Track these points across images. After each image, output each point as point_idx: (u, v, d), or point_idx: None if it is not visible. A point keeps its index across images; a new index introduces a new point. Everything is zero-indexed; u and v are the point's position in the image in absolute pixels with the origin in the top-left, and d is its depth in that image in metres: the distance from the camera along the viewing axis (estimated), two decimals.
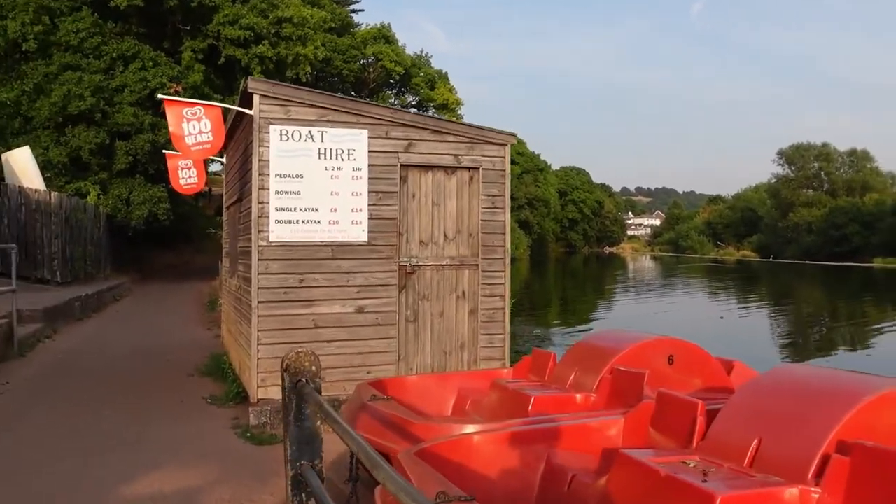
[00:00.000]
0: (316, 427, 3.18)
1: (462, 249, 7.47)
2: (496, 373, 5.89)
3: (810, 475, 2.87)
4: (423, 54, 51.49)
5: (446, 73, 51.98)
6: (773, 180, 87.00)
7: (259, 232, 6.77)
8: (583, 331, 20.16)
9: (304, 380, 3.18)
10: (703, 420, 3.54)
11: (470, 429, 3.96)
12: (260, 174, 6.80)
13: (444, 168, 7.40)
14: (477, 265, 7.49)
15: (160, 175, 21.52)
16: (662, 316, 24.57)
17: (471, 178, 7.51)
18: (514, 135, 7.64)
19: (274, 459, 5.74)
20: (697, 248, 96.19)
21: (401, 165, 7.22)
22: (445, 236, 7.40)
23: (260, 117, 6.79)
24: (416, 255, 7.29)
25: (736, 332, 19.77)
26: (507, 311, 7.58)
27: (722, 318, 22.82)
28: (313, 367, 3.19)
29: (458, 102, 47.92)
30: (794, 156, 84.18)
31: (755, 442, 3.16)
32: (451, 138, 7.40)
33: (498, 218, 7.58)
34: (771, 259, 73.70)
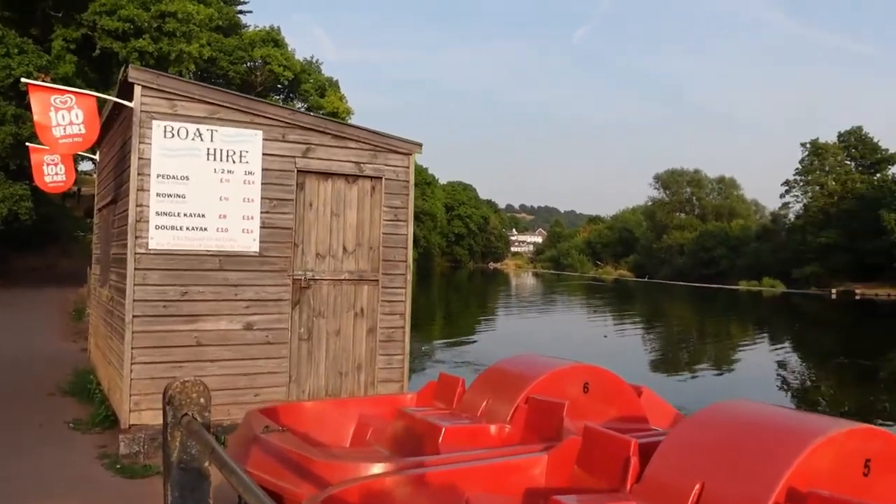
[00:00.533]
0: (204, 469, 2.69)
1: (362, 263, 7.02)
2: (399, 399, 5.45)
3: None
4: (314, 60, 50.55)
5: (337, 81, 51.26)
6: (649, 203, 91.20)
7: (136, 238, 6.06)
8: (469, 345, 20.05)
9: (190, 414, 2.69)
10: (636, 460, 3.27)
11: (380, 468, 3.52)
12: (139, 174, 6.10)
13: (345, 176, 6.93)
14: (377, 280, 7.05)
15: (23, 171, 19.80)
16: (547, 334, 24.87)
17: (373, 188, 7.08)
18: (419, 144, 7.28)
19: (149, 495, 5.07)
20: (577, 266, 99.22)
21: (298, 171, 6.70)
22: (344, 249, 6.93)
23: (141, 111, 6.10)
24: (311, 269, 6.77)
25: (620, 350, 20.18)
26: (408, 331, 7.18)
27: (606, 336, 23.31)
28: (202, 400, 2.71)
29: (349, 111, 47.30)
30: (668, 180, 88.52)
31: (697, 487, 2.90)
32: (353, 145, 6.95)
33: (400, 231, 7.18)
34: (646, 279, 76.90)
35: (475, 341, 21.21)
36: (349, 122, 46.59)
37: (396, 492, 3.25)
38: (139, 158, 6.09)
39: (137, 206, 6.08)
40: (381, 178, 7.07)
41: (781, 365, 19.43)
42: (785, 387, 16.13)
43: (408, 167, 7.22)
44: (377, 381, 7.01)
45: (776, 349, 23.06)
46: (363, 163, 6.98)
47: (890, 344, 25.10)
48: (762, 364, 18.71)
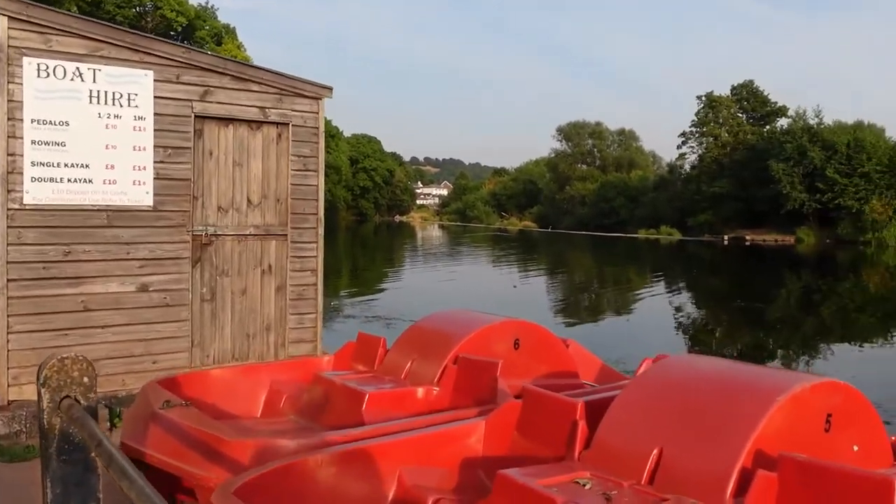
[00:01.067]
0: (90, 461, 2.28)
1: (268, 217, 6.49)
2: (315, 362, 5.05)
3: (728, 495, 2.42)
4: (209, 6, 47.99)
5: (234, 29, 48.98)
6: (552, 155, 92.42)
7: (8, 192, 5.34)
8: (378, 299, 19.74)
9: (72, 397, 2.26)
10: (584, 424, 3.01)
11: (299, 444, 3.14)
12: (10, 119, 5.35)
13: (249, 122, 6.35)
14: (286, 235, 6.55)
15: None
16: (455, 286, 24.83)
17: (279, 136, 6.52)
18: (329, 88, 6.75)
19: (33, 481, 4.52)
20: (483, 218, 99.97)
21: (195, 117, 6.07)
22: (249, 202, 6.39)
23: (9, 46, 5.33)
24: (213, 224, 6.21)
25: (531, 300, 20.32)
26: (320, 288, 6.74)
27: (515, 286, 23.45)
28: (85, 379, 2.29)
29: (248, 61, 45.27)
30: (570, 133, 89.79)
31: (655, 452, 2.67)
32: (256, 88, 6.36)
33: (310, 182, 6.67)
34: (549, 229, 78.31)
35: (384, 295, 20.91)
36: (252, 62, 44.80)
37: (321, 472, 2.89)
38: (8, 101, 5.34)
39: (9, 155, 5.35)
40: (287, 124, 6.52)
41: (679, 309, 20.11)
42: (683, 330, 16.65)
43: (317, 113, 6.69)
44: (288, 341, 6.57)
45: (673, 294, 23.86)
46: (268, 108, 6.41)
47: (775, 286, 26.41)
48: (661, 309, 19.29)
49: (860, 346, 15.02)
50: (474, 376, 4.01)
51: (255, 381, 4.68)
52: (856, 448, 2.83)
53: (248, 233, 6.37)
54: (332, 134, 79.98)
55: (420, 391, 4.14)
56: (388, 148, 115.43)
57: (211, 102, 6.12)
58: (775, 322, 17.60)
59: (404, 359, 4.49)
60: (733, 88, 66.60)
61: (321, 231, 6.74)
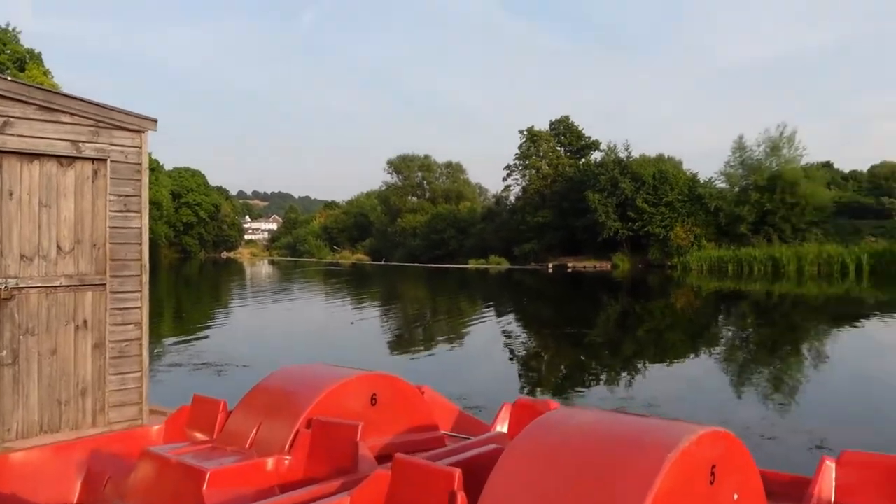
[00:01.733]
0: None
1: (83, 265, 5.73)
2: (142, 433, 4.43)
3: None
4: (10, 28, 44.04)
5: (39, 54, 45.24)
6: (383, 187, 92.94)
7: None
8: (206, 343, 18.57)
9: None
10: (462, 495, 2.74)
11: None
12: None
13: (58, 158, 5.59)
14: (104, 285, 5.80)
15: None
16: (288, 325, 23.98)
17: (96, 173, 5.80)
18: (153, 120, 6.11)
19: None
20: (315, 251, 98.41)
21: None
22: (59, 248, 5.60)
23: None
24: (14, 275, 5.38)
25: (368, 338, 19.96)
26: (146, 342, 6.02)
27: (353, 323, 22.99)
28: None
29: (56, 88, 41.87)
30: (400, 165, 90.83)
31: None
32: (67, 119, 5.62)
33: (132, 224, 5.98)
34: (383, 262, 78.42)
35: (213, 339, 19.71)
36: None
37: None
38: None
39: None
40: (105, 160, 5.81)
41: (513, 337, 20.64)
42: (513, 356, 17.02)
43: (139, 147, 6.02)
44: (108, 406, 5.79)
45: (502, 321, 24.47)
46: (82, 141, 5.68)
47: (596, 311, 27.89)
48: (497, 339, 19.66)
49: (670, 363, 16.01)
50: (331, 441, 3.63)
51: (70, 462, 4.01)
52: (736, 497, 2.76)
53: (58, 284, 5.58)
54: (153, 167, 75.65)
55: (269, 462, 3.69)
56: (213, 181, 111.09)
57: (11, 135, 5.33)
58: (599, 345, 18.42)
59: (249, 424, 4.02)
60: (551, 123, 70.43)
61: (146, 278, 6.05)
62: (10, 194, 5.36)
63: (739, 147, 56.73)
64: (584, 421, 2.87)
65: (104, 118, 5.80)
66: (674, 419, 2.90)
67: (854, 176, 71.22)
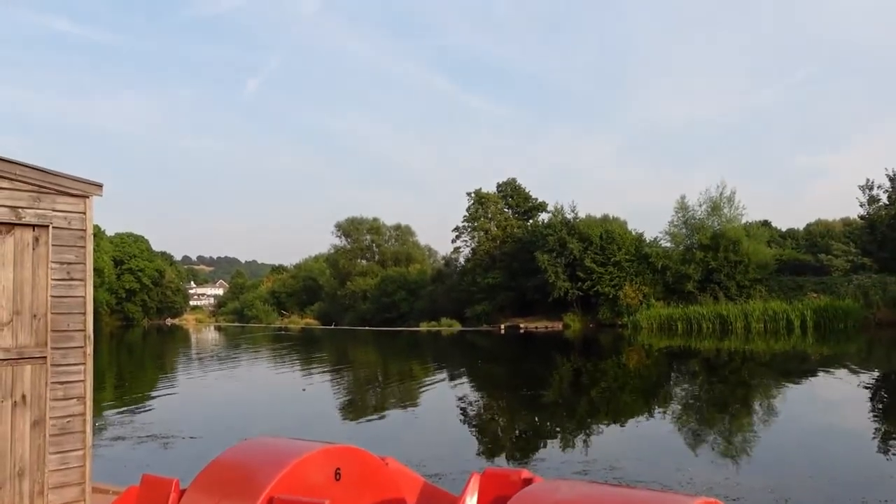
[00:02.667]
0: None
1: (22, 337, 5.42)
2: None
3: None
4: None
5: None
6: (332, 251, 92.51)
7: None
8: (150, 413, 17.86)
9: None
10: None
11: None
12: None
13: None
14: (45, 358, 5.49)
15: None
16: (239, 391, 23.31)
17: (36, 240, 5.54)
18: (99, 185, 5.90)
19: None
20: (263, 316, 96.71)
21: None
22: None
23: None
24: None
25: (323, 404, 19.46)
26: (89, 418, 5.68)
27: (304, 389, 22.41)
28: None
29: None
30: (349, 228, 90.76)
31: None
32: (6, 184, 5.39)
33: (76, 293, 5.70)
34: (333, 326, 77.39)
35: (157, 408, 18.97)
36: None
37: None
38: None
39: None
40: (47, 226, 5.57)
41: (464, 398, 20.40)
42: (470, 421, 16.77)
43: (84, 213, 5.80)
44: (48, 488, 5.41)
45: (457, 384, 24.22)
46: (22, 207, 5.44)
47: (549, 371, 27.82)
48: (453, 403, 19.37)
49: (626, 423, 15.97)
50: None
51: None
52: None
53: None
54: (94, 233, 73.89)
55: None
56: (157, 247, 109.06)
57: None
58: (555, 407, 18.29)
59: None
60: (499, 185, 71.45)
61: (90, 350, 5.74)
62: None
63: (682, 207, 58.29)
64: (570, 496, 2.74)
65: (46, 183, 5.58)
66: (661, 490, 2.80)
67: (791, 234, 73.83)
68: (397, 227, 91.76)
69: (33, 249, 5.52)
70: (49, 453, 5.43)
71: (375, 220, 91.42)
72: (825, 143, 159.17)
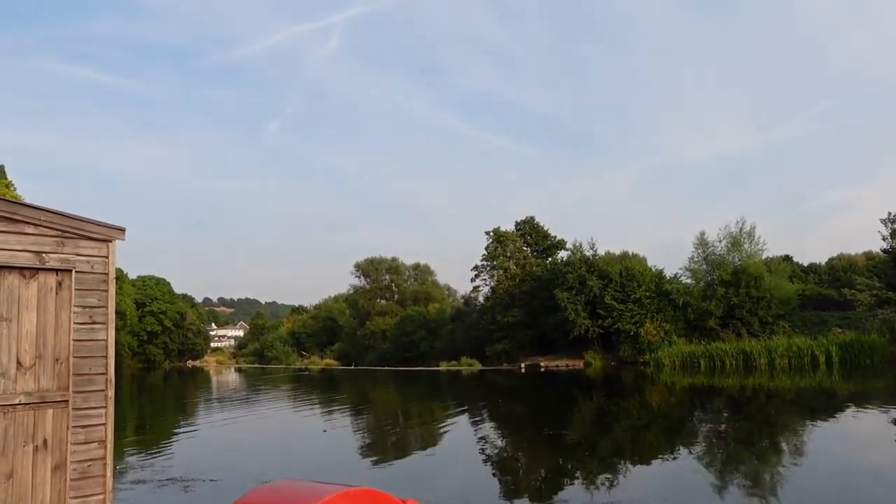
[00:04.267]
0: None
1: (44, 381, 5.47)
2: None
3: None
4: None
5: (2, 167, 45.26)
6: (351, 291, 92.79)
7: None
8: (171, 456, 17.81)
9: None
10: None
11: None
12: None
13: (21, 269, 5.43)
14: (66, 402, 5.53)
15: None
16: (259, 433, 23.21)
17: (60, 284, 5.63)
18: (122, 229, 5.99)
19: None
20: (283, 357, 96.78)
21: None
22: (20, 364, 5.35)
23: None
24: None
25: (344, 445, 19.33)
26: (110, 462, 5.69)
27: (325, 431, 22.29)
28: None
29: (17, 199, 41.71)
30: (368, 268, 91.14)
31: None
32: (31, 230, 5.50)
33: (98, 337, 5.77)
34: (352, 366, 77.26)
35: (178, 451, 18.93)
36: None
37: None
38: None
39: None
40: (70, 270, 5.66)
41: (485, 439, 20.18)
42: (491, 461, 16.56)
43: (107, 257, 5.89)
44: None
45: (478, 424, 23.98)
46: (46, 252, 5.53)
47: (572, 410, 27.50)
48: (469, 440, 19.21)
49: (650, 462, 15.69)
50: None
51: None
52: None
53: (17, 402, 5.29)
54: (117, 276, 74.79)
55: None
56: (178, 289, 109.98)
57: None
58: (578, 446, 18.03)
59: None
60: (517, 224, 71.58)
61: (111, 393, 5.78)
62: None
63: (702, 243, 58.01)
64: None
65: (70, 228, 5.68)
66: None
67: (813, 269, 72.98)
68: (416, 267, 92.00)
69: (56, 294, 5.59)
70: (70, 498, 5.44)
71: (394, 259, 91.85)
72: (845, 176, 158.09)
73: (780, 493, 11.73)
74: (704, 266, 57.83)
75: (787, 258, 69.64)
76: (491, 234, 70.43)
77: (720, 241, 57.17)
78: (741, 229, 56.49)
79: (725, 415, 24.48)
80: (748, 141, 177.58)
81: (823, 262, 74.81)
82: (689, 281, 58.89)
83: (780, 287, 54.04)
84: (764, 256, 56.89)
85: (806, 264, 74.02)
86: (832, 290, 64.05)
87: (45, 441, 5.38)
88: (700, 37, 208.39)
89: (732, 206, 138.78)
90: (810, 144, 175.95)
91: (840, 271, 70.15)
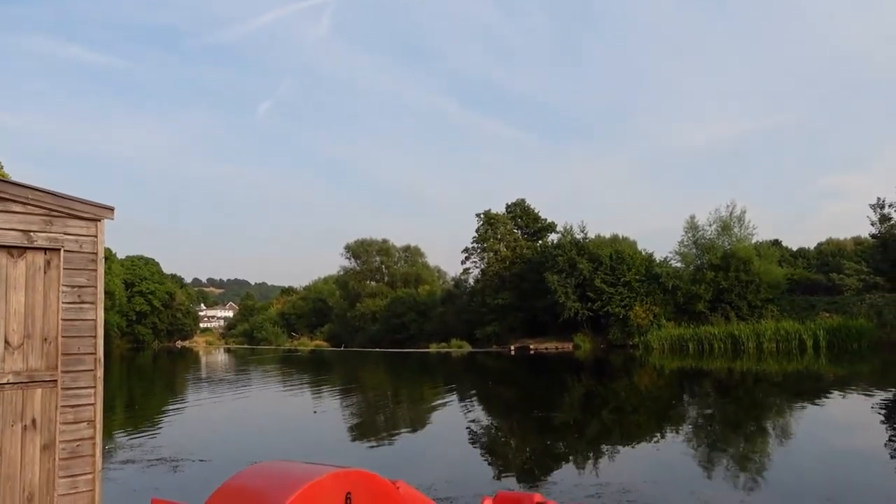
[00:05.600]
0: None
1: (33, 361, 5.42)
2: None
3: None
4: None
5: None
6: (341, 272, 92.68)
7: None
8: (159, 436, 17.82)
9: None
10: None
11: None
12: None
13: (8, 248, 5.36)
14: (55, 381, 5.49)
15: None
16: (249, 414, 23.23)
17: (48, 263, 5.57)
18: (111, 208, 5.93)
19: None
20: (272, 339, 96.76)
21: None
22: (7, 344, 5.30)
23: None
24: None
25: (335, 426, 19.37)
26: (99, 442, 5.67)
27: (316, 412, 22.33)
28: None
29: (5, 177, 41.32)
30: (358, 250, 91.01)
31: None
32: (18, 208, 5.43)
33: (87, 316, 5.72)
34: (342, 348, 77.34)
35: (167, 431, 18.95)
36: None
37: None
38: None
39: None
40: (59, 249, 5.59)
41: (474, 420, 20.28)
42: (480, 443, 16.64)
43: (95, 236, 5.82)
44: None
45: (468, 406, 24.08)
46: (34, 231, 5.47)
47: (561, 393, 27.66)
48: (459, 422, 19.30)
49: (638, 444, 15.81)
50: None
51: None
52: None
53: (5, 381, 5.25)
54: (106, 257, 74.36)
55: None
56: (167, 269, 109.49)
57: None
58: (567, 429, 18.15)
59: None
60: (508, 206, 71.56)
61: (100, 373, 5.74)
62: None
63: (692, 227, 58.15)
64: None
65: (58, 207, 5.61)
66: None
67: (802, 253, 73.40)
68: (406, 249, 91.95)
69: (45, 273, 5.54)
70: (58, 477, 5.42)
71: (385, 241, 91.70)
72: (835, 163, 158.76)
73: (766, 475, 11.84)
74: (694, 250, 58.02)
75: (777, 243, 69.99)
76: (482, 216, 70.40)
77: (710, 225, 57.37)
78: (731, 213, 56.68)
79: (713, 398, 24.67)
80: (740, 127, 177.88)
81: (812, 248, 75.29)
82: (678, 265, 59.11)
83: (769, 271, 54.33)
84: (753, 241, 57.14)
85: (795, 249, 74.46)
86: (821, 274, 64.48)
87: (33, 420, 5.35)
88: (696, 21, 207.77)
89: (723, 192, 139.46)
90: (801, 131, 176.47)
91: (829, 256, 70.62)
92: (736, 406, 21.83)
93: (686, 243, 58.48)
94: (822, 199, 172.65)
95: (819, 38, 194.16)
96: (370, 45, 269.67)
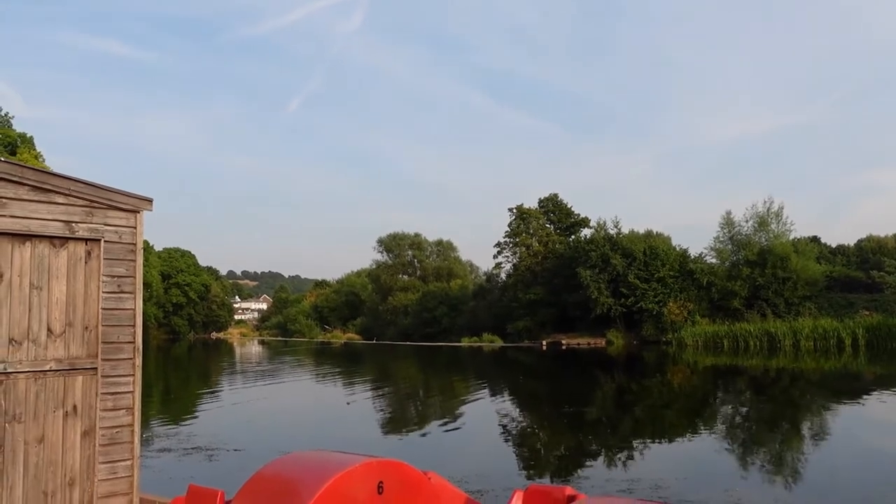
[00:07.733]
0: None
1: (74, 349, 5.55)
2: None
3: None
4: (2, 114, 44.76)
5: (31, 138, 45.79)
6: (374, 266, 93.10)
7: None
8: (195, 425, 18.11)
9: None
10: None
11: None
12: None
13: (51, 239, 5.49)
14: (95, 369, 5.61)
15: None
16: (283, 404, 23.49)
17: (89, 254, 5.69)
18: (149, 200, 6.04)
19: None
20: (305, 331, 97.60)
21: None
22: (50, 331, 5.43)
23: None
24: (2, 360, 5.19)
25: (368, 417, 19.52)
26: (137, 429, 5.78)
27: (349, 403, 22.53)
28: None
29: (47, 169, 42.25)
30: (390, 244, 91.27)
31: None
32: (61, 200, 5.55)
33: (126, 306, 5.83)
34: (374, 341, 77.75)
35: (203, 421, 19.25)
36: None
37: None
38: None
39: None
40: (99, 240, 5.71)
41: (506, 415, 20.30)
42: (512, 437, 16.64)
43: (134, 227, 5.93)
44: (97, 497, 5.51)
45: (500, 400, 24.10)
46: (76, 222, 5.59)
47: (593, 389, 27.52)
48: (491, 416, 19.33)
49: (671, 441, 15.68)
50: None
51: None
52: None
53: (47, 368, 5.38)
54: (143, 248, 75.52)
55: None
56: (203, 262, 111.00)
57: (3, 216, 5.23)
58: (599, 424, 18.08)
59: None
60: (540, 201, 71.21)
61: (139, 362, 5.85)
62: (1, 276, 5.22)
63: (728, 222, 57.38)
64: None
65: (99, 198, 5.72)
66: None
67: (842, 250, 71.97)
68: (439, 243, 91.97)
69: (86, 263, 5.65)
70: (98, 463, 5.54)
71: (417, 235, 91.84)
72: (874, 158, 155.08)
73: (801, 474, 11.68)
74: (730, 246, 57.24)
75: (815, 239, 68.69)
76: (514, 210, 70.17)
77: (747, 221, 56.55)
78: (769, 209, 55.82)
79: (748, 395, 24.35)
80: (776, 121, 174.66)
81: (852, 244, 73.77)
82: (713, 261, 58.38)
83: (807, 268, 53.38)
84: (791, 237, 56.21)
85: (834, 245, 73.04)
86: (860, 272, 63.18)
87: (74, 407, 5.47)
88: (727, 14, 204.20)
89: (759, 187, 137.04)
90: (840, 125, 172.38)
91: (869, 253, 69.16)
92: (772, 404, 21.54)
93: (722, 239, 57.75)
94: (861, 194, 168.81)
95: (859, 29, 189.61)
96: (401, 40, 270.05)
